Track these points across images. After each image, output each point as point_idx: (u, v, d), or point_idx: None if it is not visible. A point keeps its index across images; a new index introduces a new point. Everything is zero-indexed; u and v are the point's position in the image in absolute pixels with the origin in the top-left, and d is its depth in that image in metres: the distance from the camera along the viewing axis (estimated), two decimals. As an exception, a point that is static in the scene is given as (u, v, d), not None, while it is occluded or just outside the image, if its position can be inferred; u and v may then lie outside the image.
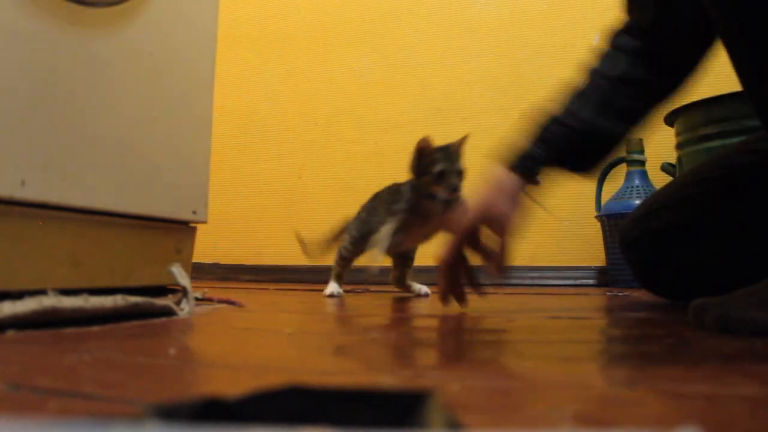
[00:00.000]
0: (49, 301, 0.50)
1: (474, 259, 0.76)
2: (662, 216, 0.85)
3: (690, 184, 0.86)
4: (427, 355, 0.43)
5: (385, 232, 1.02)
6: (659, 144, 1.58)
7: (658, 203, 0.87)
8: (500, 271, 0.73)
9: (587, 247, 1.70)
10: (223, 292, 1.04)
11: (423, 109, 1.86)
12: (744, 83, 0.59)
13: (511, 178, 0.73)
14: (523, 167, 0.73)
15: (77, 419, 0.19)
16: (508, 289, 1.40)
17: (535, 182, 0.74)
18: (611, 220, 1.51)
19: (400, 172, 1.82)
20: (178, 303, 0.66)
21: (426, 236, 1.07)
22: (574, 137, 0.72)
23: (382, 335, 0.53)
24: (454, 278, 0.75)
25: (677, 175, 1.39)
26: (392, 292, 1.27)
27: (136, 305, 0.58)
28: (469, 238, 0.74)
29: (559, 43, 1.78)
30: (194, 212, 0.96)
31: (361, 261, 1.16)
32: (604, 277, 1.63)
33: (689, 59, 0.73)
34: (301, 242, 1.26)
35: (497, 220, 0.72)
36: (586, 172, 0.75)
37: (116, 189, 0.80)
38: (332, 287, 1.10)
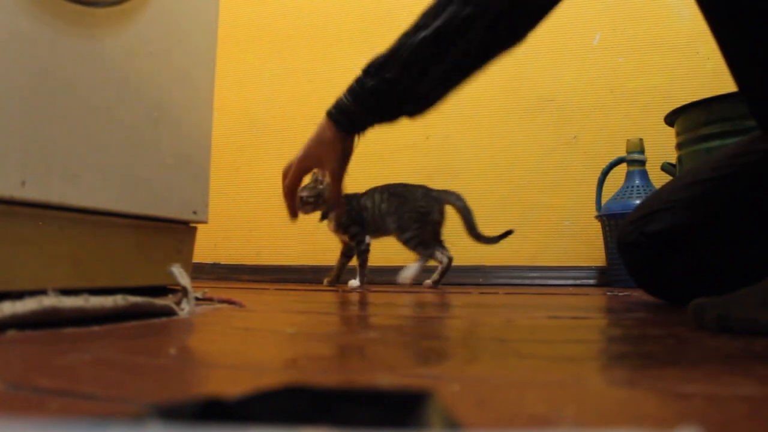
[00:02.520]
0: (49, 301, 0.50)
1: None
2: (661, 218, 0.85)
3: (688, 186, 0.85)
4: (426, 355, 0.43)
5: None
6: (659, 144, 1.58)
7: (657, 205, 0.87)
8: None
9: (587, 247, 1.70)
10: (223, 292, 1.04)
11: (423, 109, 1.86)
12: (738, 83, 0.59)
13: (331, 130, 0.83)
14: (338, 119, 0.82)
15: (77, 419, 0.19)
16: (508, 289, 1.40)
17: (351, 133, 0.84)
18: (611, 220, 1.51)
19: (400, 172, 1.83)
20: (178, 303, 0.66)
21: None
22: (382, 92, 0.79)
23: (382, 335, 0.53)
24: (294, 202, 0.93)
25: (677, 175, 1.39)
26: (393, 292, 1.27)
27: (136, 305, 0.58)
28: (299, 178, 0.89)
29: (559, 43, 1.78)
30: (194, 212, 0.96)
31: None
32: (604, 277, 1.63)
33: None
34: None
35: (320, 165, 0.86)
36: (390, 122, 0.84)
37: (116, 189, 0.80)
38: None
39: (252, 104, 2.01)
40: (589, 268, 1.69)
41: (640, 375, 0.35)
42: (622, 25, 1.77)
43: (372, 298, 1.07)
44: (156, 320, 0.59)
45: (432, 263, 1.40)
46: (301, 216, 1.91)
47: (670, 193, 0.88)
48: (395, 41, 0.76)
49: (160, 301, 0.62)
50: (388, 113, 0.82)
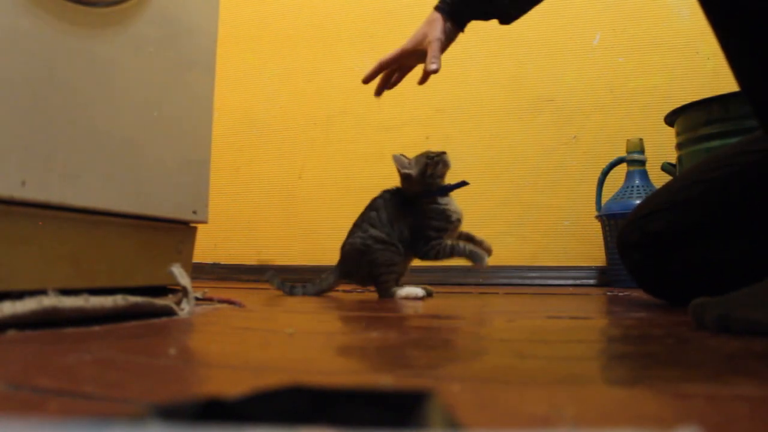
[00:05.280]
0: (49, 301, 0.50)
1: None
2: (662, 218, 0.85)
3: (688, 186, 0.85)
4: (427, 355, 0.43)
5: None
6: (659, 144, 1.58)
7: (657, 205, 0.87)
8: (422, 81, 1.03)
9: (587, 247, 1.70)
10: (223, 292, 1.04)
11: (423, 109, 1.86)
12: (741, 83, 0.59)
13: (436, 17, 0.98)
14: (442, 9, 0.98)
15: (77, 419, 0.19)
16: (509, 289, 1.40)
17: (453, 23, 0.98)
18: (611, 220, 1.51)
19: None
20: (178, 303, 0.66)
21: None
22: None
23: (383, 335, 0.53)
24: (388, 76, 1.07)
25: (677, 175, 1.39)
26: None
27: (136, 305, 0.58)
28: (406, 55, 1.02)
29: (559, 43, 1.78)
30: (194, 212, 0.96)
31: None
32: (604, 277, 1.63)
33: None
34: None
35: (424, 39, 0.99)
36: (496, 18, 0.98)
37: (116, 189, 0.80)
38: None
39: (252, 104, 2.01)
40: (589, 268, 1.69)
41: (640, 375, 0.35)
42: (622, 25, 1.77)
43: (372, 298, 1.07)
44: (156, 320, 0.59)
45: None
46: (302, 217, 1.93)
47: (670, 193, 0.88)
48: None
49: (160, 301, 0.62)
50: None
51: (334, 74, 1.94)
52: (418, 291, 1.04)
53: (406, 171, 1.08)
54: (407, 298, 1.03)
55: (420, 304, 0.93)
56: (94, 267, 0.77)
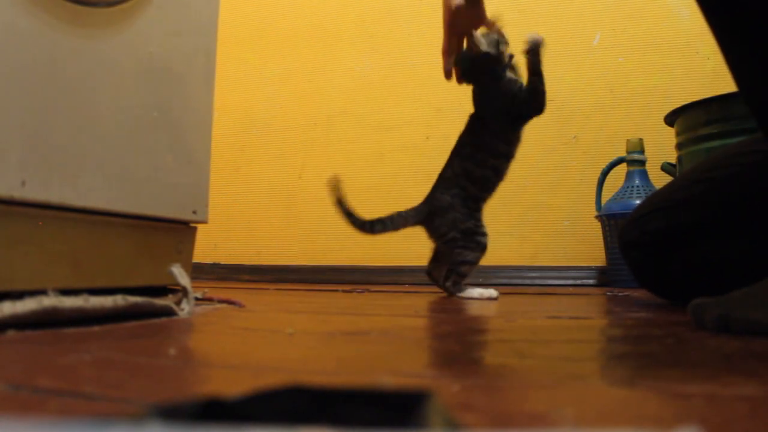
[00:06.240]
0: (49, 301, 0.50)
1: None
2: (662, 217, 0.85)
3: (689, 185, 0.86)
4: (427, 355, 0.43)
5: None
6: (659, 144, 1.58)
7: (658, 204, 0.87)
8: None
9: (587, 247, 1.70)
10: (223, 292, 1.04)
11: (423, 109, 1.86)
12: (739, 84, 0.59)
13: None
14: None
15: (77, 419, 0.19)
16: (509, 289, 1.40)
17: None
18: (611, 220, 1.51)
19: (401, 172, 1.82)
20: (178, 303, 0.66)
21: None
22: None
23: (382, 335, 0.53)
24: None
25: (677, 175, 1.39)
26: (391, 291, 1.27)
27: (136, 305, 0.58)
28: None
29: (559, 43, 1.78)
30: (194, 212, 0.96)
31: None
32: (604, 277, 1.63)
33: None
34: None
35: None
36: None
37: (116, 189, 0.80)
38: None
39: (252, 104, 2.01)
40: (589, 268, 1.69)
41: (640, 375, 0.35)
42: (622, 25, 1.77)
43: (372, 298, 1.07)
44: (156, 320, 0.59)
45: None
46: (302, 217, 1.93)
47: (670, 192, 0.88)
48: None
49: (160, 301, 0.62)
50: None
51: (334, 74, 1.94)
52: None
53: (486, 50, 1.20)
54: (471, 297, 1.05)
55: (420, 303, 0.93)
56: (94, 267, 0.77)
